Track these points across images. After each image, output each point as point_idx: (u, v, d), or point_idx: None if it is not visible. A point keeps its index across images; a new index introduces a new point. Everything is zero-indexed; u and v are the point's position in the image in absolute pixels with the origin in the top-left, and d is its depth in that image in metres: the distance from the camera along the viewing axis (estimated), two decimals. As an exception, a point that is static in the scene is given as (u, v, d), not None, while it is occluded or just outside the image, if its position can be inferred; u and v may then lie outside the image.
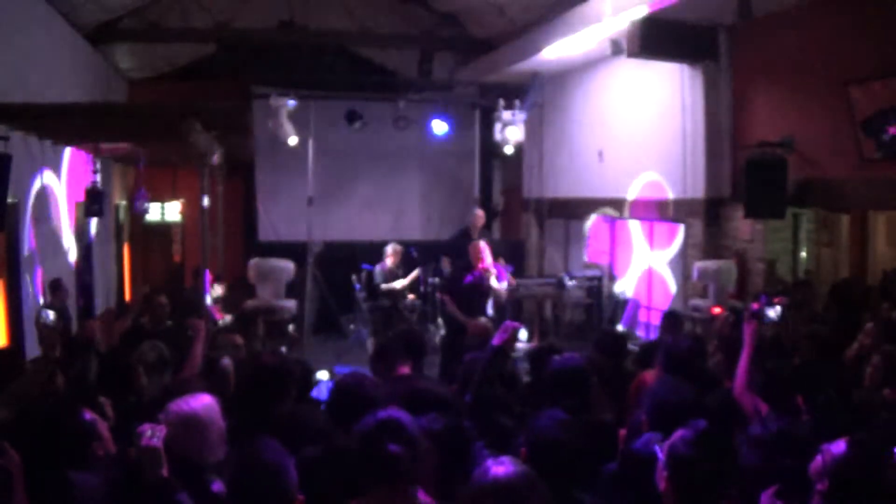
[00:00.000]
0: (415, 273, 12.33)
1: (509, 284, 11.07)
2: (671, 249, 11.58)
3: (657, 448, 3.24)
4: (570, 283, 12.20)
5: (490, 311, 10.16)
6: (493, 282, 9.88)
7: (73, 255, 10.80)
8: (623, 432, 4.64)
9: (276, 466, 3.11)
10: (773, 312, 5.08)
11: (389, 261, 12.19)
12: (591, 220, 13.20)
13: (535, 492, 2.72)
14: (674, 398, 3.97)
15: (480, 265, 9.54)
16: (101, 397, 4.77)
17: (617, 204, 12.20)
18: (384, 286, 12.08)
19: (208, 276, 9.43)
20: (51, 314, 8.08)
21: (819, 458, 3.17)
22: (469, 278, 9.57)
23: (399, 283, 12.09)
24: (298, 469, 3.21)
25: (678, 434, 3.14)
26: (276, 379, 4.75)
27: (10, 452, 3.30)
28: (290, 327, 12.39)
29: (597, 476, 3.84)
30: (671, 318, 7.98)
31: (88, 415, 3.94)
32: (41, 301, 8.99)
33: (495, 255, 10.63)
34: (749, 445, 4.04)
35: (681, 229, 10.99)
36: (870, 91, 7.73)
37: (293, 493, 3.11)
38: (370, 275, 12.62)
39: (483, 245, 9.75)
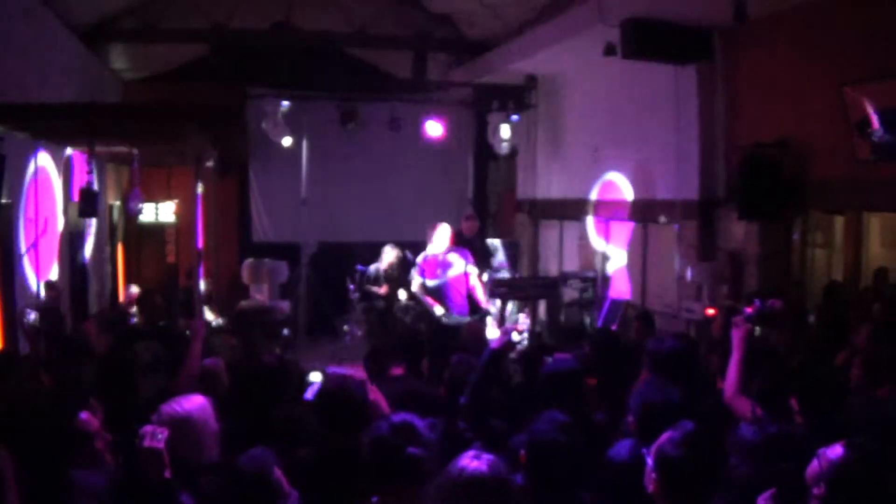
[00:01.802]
0: (386, 287, 12.27)
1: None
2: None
3: (645, 451, 3.24)
4: (563, 284, 12.19)
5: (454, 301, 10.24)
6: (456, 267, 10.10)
7: (67, 256, 10.79)
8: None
9: (256, 477, 3.11)
10: (770, 315, 5.07)
11: (386, 261, 12.18)
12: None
13: (506, 487, 2.73)
14: (659, 399, 3.97)
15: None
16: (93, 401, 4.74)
17: (610, 205, 12.22)
18: (369, 288, 12.07)
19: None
20: (32, 313, 7.99)
21: (816, 463, 3.16)
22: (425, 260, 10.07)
23: (382, 290, 12.04)
24: (292, 469, 3.22)
25: (666, 435, 3.15)
26: (275, 380, 4.76)
27: (1, 451, 3.30)
28: (287, 332, 12.39)
29: (595, 476, 3.85)
30: (644, 319, 8.02)
31: (85, 415, 3.93)
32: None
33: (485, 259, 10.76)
34: (742, 450, 4.03)
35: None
36: (864, 92, 7.74)
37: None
38: (364, 275, 12.62)
39: (442, 228, 10.07)
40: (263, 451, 3.33)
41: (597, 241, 12.85)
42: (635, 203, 11.60)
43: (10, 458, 3.30)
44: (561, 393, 4.54)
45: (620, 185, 11.98)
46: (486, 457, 2.77)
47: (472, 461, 2.73)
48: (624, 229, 12.11)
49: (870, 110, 7.63)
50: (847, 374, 5.54)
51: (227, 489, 3.15)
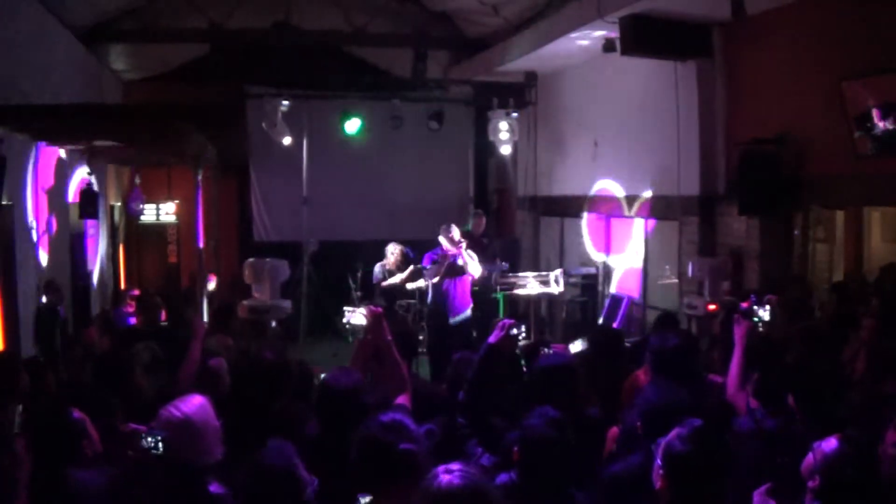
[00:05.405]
0: (411, 268, 12.27)
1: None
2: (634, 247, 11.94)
3: (652, 447, 3.23)
4: (561, 280, 12.14)
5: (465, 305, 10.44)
6: (471, 266, 10.28)
7: (67, 256, 10.80)
8: (615, 431, 4.62)
9: (286, 471, 3.10)
10: (764, 312, 5.05)
11: (391, 260, 12.17)
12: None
13: (484, 498, 2.66)
14: (666, 402, 3.93)
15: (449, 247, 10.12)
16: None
17: (610, 201, 12.21)
18: (385, 283, 12.08)
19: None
20: None
21: (810, 456, 3.17)
22: (433, 256, 10.37)
23: (398, 278, 12.07)
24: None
25: (674, 432, 3.14)
26: (275, 376, 4.75)
27: (19, 455, 3.30)
28: (275, 324, 12.37)
29: (587, 473, 3.84)
30: (664, 320, 7.97)
31: (77, 414, 3.92)
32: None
33: (492, 256, 10.79)
34: (739, 441, 4.03)
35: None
36: (863, 86, 7.74)
37: (302, 497, 3.12)
38: (366, 273, 12.61)
39: (452, 228, 10.28)
40: (282, 443, 3.32)
41: (596, 238, 12.86)
42: (634, 199, 11.60)
43: (26, 461, 3.30)
44: (554, 387, 4.50)
45: (620, 182, 11.98)
46: (459, 468, 2.66)
47: (446, 474, 2.65)
48: (625, 226, 12.10)
49: (871, 104, 7.61)
50: (851, 368, 5.54)
51: (257, 485, 3.14)
